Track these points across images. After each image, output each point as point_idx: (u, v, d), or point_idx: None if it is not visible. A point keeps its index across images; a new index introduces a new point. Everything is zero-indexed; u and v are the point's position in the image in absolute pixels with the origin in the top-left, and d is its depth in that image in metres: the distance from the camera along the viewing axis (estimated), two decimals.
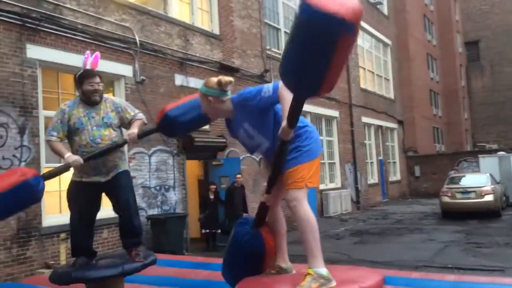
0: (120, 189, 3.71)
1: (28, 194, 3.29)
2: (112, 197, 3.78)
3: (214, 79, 3.32)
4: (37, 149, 6.93)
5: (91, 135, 3.59)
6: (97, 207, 3.82)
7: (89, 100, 3.66)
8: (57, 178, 7.43)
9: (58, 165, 7.40)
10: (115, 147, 3.65)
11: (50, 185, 7.30)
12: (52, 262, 6.81)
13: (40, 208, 6.87)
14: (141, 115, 3.85)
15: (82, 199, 3.67)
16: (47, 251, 6.90)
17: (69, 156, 3.48)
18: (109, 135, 3.65)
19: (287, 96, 2.90)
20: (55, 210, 7.36)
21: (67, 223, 7.16)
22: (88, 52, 3.79)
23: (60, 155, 3.56)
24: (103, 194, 3.84)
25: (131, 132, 3.62)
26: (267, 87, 3.14)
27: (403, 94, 24.69)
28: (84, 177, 3.66)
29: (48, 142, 3.65)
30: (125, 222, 3.73)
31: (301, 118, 3.27)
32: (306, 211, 3.12)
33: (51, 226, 7.01)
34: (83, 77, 3.66)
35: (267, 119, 3.22)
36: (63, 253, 7.08)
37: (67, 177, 7.60)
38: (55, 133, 3.60)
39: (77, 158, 3.46)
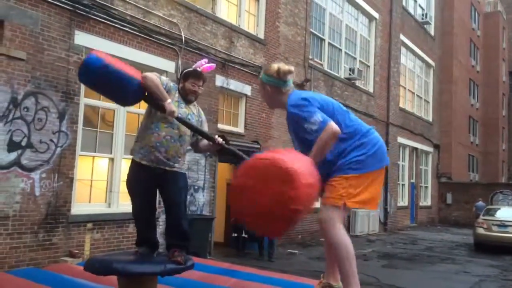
0: (176, 189, 3.63)
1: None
2: (165, 194, 3.68)
3: (275, 67, 3.13)
4: (74, 136, 6.89)
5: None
6: (155, 196, 3.75)
7: (185, 97, 3.69)
8: (89, 167, 7.51)
9: (93, 153, 7.48)
10: (205, 135, 3.64)
11: (83, 174, 7.31)
12: (77, 251, 6.74)
13: (70, 195, 6.83)
14: None
15: (142, 186, 3.60)
16: (72, 239, 6.82)
17: (170, 102, 3.42)
18: (185, 130, 3.62)
19: (323, 139, 2.84)
20: (85, 199, 7.32)
21: (95, 213, 7.24)
22: (206, 60, 3.82)
23: (159, 95, 3.41)
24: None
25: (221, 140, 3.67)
26: (316, 120, 2.88)
27: (441, 118, 24.00)
28: (144, 159, 3.55)
29: (150, 77, 3.45)
30: (174, 224, 3.63)
31: (360, 125, 3.04)
32: (337, 235, 2.87)
33: (79, 215, 6.95)
34: (189, 74, 3.70)
35: (306, 140, 3.00)
36: (88, 243, 7.02)
37: (99, 167, 7.61)
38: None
39: (175, 110, 3.42)
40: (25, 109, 6.26)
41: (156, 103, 3.42)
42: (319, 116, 2.87)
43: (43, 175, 6.45)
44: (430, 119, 22.03)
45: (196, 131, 3.58)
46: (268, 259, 9.25)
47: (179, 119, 3.44)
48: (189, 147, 3.83)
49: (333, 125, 2.84)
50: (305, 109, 2.92)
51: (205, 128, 3.80)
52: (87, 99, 7.21)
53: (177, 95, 3.62)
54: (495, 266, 10.40)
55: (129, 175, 3.71)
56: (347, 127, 3.03)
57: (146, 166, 3.53)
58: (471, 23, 30.23)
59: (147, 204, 3.68)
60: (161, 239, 4.18)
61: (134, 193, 3.68)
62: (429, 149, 21.83)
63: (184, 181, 3.72)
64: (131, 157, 3.72)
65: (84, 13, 6.97)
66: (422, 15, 20.69)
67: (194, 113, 3.72)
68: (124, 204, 7.45)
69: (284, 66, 3.14)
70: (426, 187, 22.14)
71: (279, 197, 2.51)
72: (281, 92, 3.10)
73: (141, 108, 7.77)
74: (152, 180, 3.59)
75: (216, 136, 3.62)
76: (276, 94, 3.11)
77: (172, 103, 3.48)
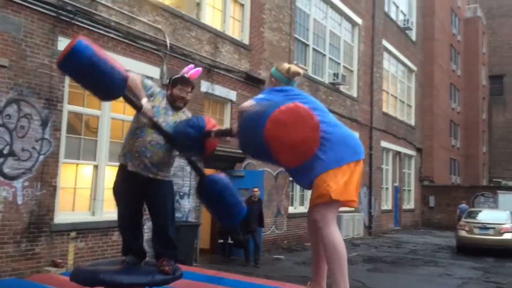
0: (163, 197, 3.62)
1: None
2: (152, 203, 3.66)
3: (286, 65, 3.35)
4: (57, 143, 6.80)
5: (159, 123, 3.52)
6: (142, 204, 3.72)
7: (173, 104, 3.65)
8: (73, 175, 7.41)
9: (77, 161, 7.39)
10: (171, 141, 3.51)
11: (66, 182, 7.20)
12: (60, 261, 6.63)
13: (53, 204, 6.73)
14: None
15: (128, 193, 3.57)
16: (55, 249, 6.72)
17: (147, 102, 3.40)
18: None
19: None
20: (68, 207, 7.22)
21: (79, 221, 7.15)
22: (192, 65, 3.81)
23: (137, 94, 3.38)
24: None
25: None
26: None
27: (423, 122, 24.33)
28: (129, 164, 3.53)
29: (132, 77, 3.38)
30: (161, 233, 3.62)
31: (329, 122, 3.08)
32: (332, 235, 2.91)
33: (62, 224, 6.85)
34: (177, 81, 3.67)
35: None
36: (71, 252, 6.92)
37: (82, 175, 7.51)
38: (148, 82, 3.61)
39: (151, 109, 3.41)
40: (7, 117, 6.15)
41: (133, 102, 3.36)
42: (257, 96, 3.18)
43: (26, 184, 6.35)
44: (413, 123, 22.32)
45: (163, 135, 3.48)
46: (254, 265, 9.25)
47: (150, 119, 3.39)
48: (177, 152, 3.80)
49: (243, 104, 3.12)
50: (263, 92, 3.22)
51: None
52: (70, 106, 7.13)
53: (164, 102, 3.59)
54: (477, 268, 10.57)
55: (116, 182, 3.70)
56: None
57: (132, 172, 3.51)
58: (451, 29, 30.75)
59: (133, 212, 3.66)
60: (147, 247, 4.16)
61: (120, 201, 3.66)
62: (412, 152, 22.11)
63: (170, 189, 3.71)
64: (116, 164, 3.71)
65: (68, 19, 6.90)
66: (404, 20, 20.99)
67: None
68: (108, 212, 7.38)
69: (295, 67, 3.33)
70: (409, 190, 22.41)
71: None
72: None
73: (126, 114, 7.73)
74: (138, 188, 3.56)
75: None
76: None
77: (158, 108, 3.49)
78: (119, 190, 3.65)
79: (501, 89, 37.11)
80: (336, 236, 2.93)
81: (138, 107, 3.34)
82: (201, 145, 3.38)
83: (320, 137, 2.87)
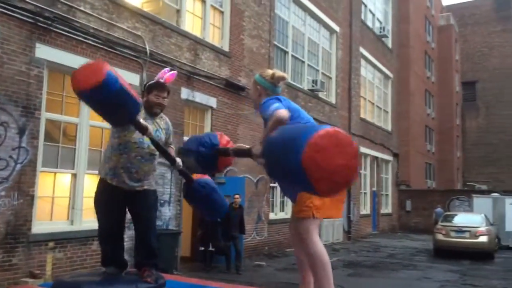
0: (146, 206, 3.58)
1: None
2: (135, 212, 3.61)
3: (270, 71, 3.34)
4: (35, 152, 6.67)
5: (142, 137, 3.43)
6: (125, 215, 3.66)
7: (150, 110, 3.58)
8: (51, 184, 7.26)
9: (55, 169, 7.26)
10: (167, 156, 3.49)
11: (44, 191, 7.06)
12: (38, 272, 6.49)
13: (31, 213, 6.58)
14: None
15: (111, 205, 3.51)
16: (33, 259, 6.57)
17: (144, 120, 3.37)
18: (154, 149, 3.53)
19: (269, 124, 2.88)
20: (46, 216, 7.07)
21: (57, 231, 7.02)
22: (167, 69, 3.72)
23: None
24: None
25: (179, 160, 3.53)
26: (271, 108, 2.99)
27: (400, 127, 24.76)
28: (114, 180, 3.47)
29: None
30: (143, 241, 3.57)
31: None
32: (315, 245, 2.97)
33: (40, 234, 6.70)
34: (152, 87, 3.59)
35: None
36: (49, 263, 6.78)
37: (61, 184, 7.38)
38: None
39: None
40: None
41: (140, 124, 3.30)
42: (275, 105, 3.01)
43: (2, 193, 6.20)
44: (390, 129, 22.70)
45: (161, 151, 3.49)
46: (236, 272, 9.22)
47: (152, 139, 3.38)
48: (160, 159, 3.76)
49: (279, 112, 2.90)
50: (270, 101, 3.10)
51: (171, 140, 3.75)
52: (48, 114, 7.01)
53: (143, 111, 3.51)
54: (454, 271, 10.78)
55: (97, 195, 3.62)
56: None
57: (116, 187, 3.46)
58: (426, 36, 31.48)
59: (116, 224, 3.61)
60: (127, 256, 4.11)
61: (103, 214, 3.58)
62: (389, 157, 22.46)
63: (153, 198, 3.68)
64: (94, 172, 3.66)
65: (46, 26, 6.79)
66: (380, 28, 21.40)
67: (162, 127, 3.64)
68: (87, 221, 7.26)
69: (279, 72, 3.35)
70: (386, 195, 22.73)
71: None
72: (268, 95, 3.24)
73: (105, 122, 7.62)
74: (122, 200, 3.53)
75: (178, 159, 3.53)
76: (263, 96, 3.25)
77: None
78: (100, 201, 3.57)
79: (474, 95, 38.09)
80: (317, 244, 2.99)
81: (143, 129, 3.28)
82: (214, 163, 3.33)
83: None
